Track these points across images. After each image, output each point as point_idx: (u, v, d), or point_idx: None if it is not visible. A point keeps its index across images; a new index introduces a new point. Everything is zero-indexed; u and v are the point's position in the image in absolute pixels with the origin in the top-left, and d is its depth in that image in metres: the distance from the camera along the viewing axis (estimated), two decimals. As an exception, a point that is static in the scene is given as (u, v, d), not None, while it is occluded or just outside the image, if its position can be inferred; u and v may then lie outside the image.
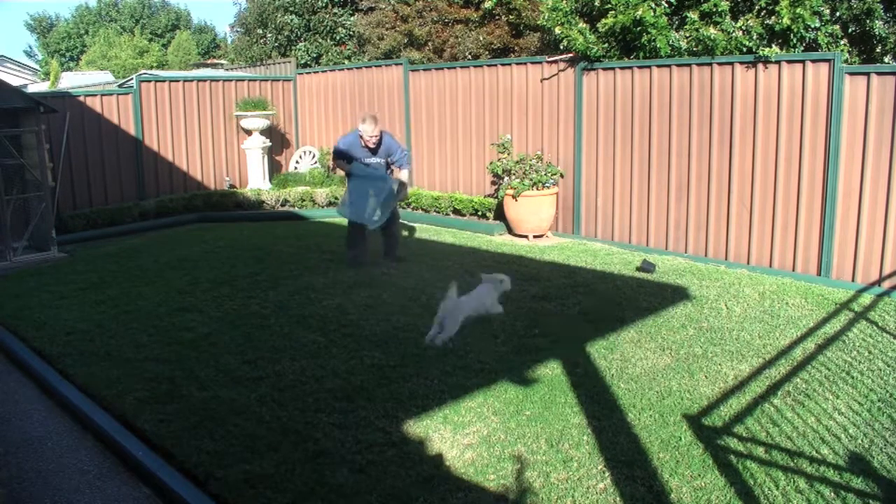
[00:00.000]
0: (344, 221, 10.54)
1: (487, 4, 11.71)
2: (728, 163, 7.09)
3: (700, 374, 4.52)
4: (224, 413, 4.09)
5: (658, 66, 7.53)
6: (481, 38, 11.82)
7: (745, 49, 7.04)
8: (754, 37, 7.03)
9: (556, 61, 8.54)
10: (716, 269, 7.07)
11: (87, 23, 34.92)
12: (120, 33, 32.06)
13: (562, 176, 8.64)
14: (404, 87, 10.55)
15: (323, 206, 10.68)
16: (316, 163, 11.96)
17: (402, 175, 7.28)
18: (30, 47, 46.21)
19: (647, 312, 5.70)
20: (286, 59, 13.86)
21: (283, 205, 10.66)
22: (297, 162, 12.16)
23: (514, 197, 8.48)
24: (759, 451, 3.56)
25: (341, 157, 7.30)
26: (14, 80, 18.85)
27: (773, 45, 6.89)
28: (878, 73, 6.08)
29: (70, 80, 21.04)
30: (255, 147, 11.27)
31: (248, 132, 11.37)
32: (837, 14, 7.07)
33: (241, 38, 16.77)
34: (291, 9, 14.64)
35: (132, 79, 11.95)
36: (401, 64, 10.68)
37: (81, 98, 10.06)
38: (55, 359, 5.00)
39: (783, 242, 6.81)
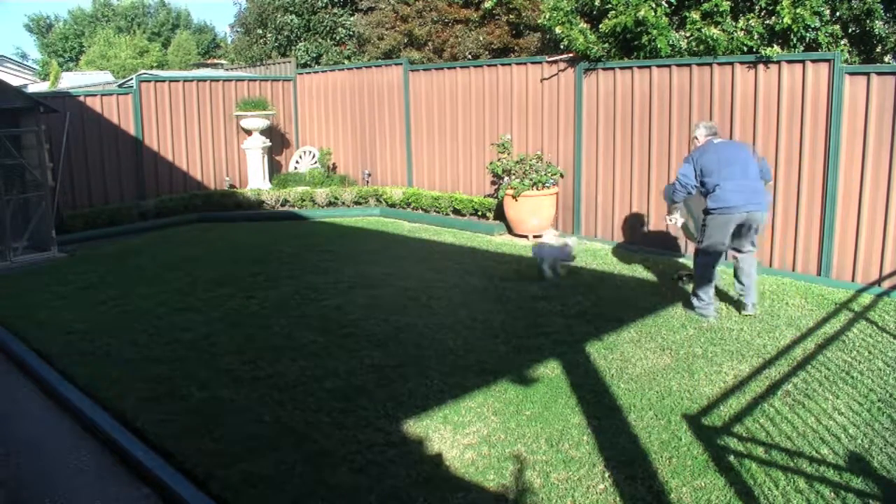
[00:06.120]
0: (344, 221, 10.42)
1: (487, 4, 11.70)
2: (728, 163, 7.08)
3: (700, 374, 4.52)
4: (224, 413, 4.09)
5: (658, 66, 7.52)
6: (481, 38, 11.82)
7: (746, 49, 7.04)
8: (755, 37, 7.03)
9: (556, 61, 8.54)
10: (716, 269, 7.06)
11: (82, 24, 34.89)
12: (118, 33, 32.02)
13: (562, 176, 8.64)
14: (404, 87, 10.54)
15: (323, 206, 10.68)
16: (316, 163, 11.95)
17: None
18: (19, 49, 46.19)
19: (647, 312, 5.70)
20: (286, 59, 13.84)
21: (283, 205, 10.66)
22: (297, 162, 12.15)
23: (514, 197, 8.48)
24: (759, 451, 3.56)
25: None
26: (14, 80, 18.82)
27: (774, 45, 6.89)
28: (878, 73, 6.08)
29: (70, 80, 20.99)
30: (255, 147, 11.27)
31: (248, 132, 11.37)
32: (837, 14, 7.07)
33: (241, 38, 16.75)
34: (291, 9, 14.63)
35: (132, 79, 11.94)
36: (401, 64, 10.68)
37: (81, 98, 10.07)
38: (55, 359, 5.00)
39: (783, 242, 6.81)
